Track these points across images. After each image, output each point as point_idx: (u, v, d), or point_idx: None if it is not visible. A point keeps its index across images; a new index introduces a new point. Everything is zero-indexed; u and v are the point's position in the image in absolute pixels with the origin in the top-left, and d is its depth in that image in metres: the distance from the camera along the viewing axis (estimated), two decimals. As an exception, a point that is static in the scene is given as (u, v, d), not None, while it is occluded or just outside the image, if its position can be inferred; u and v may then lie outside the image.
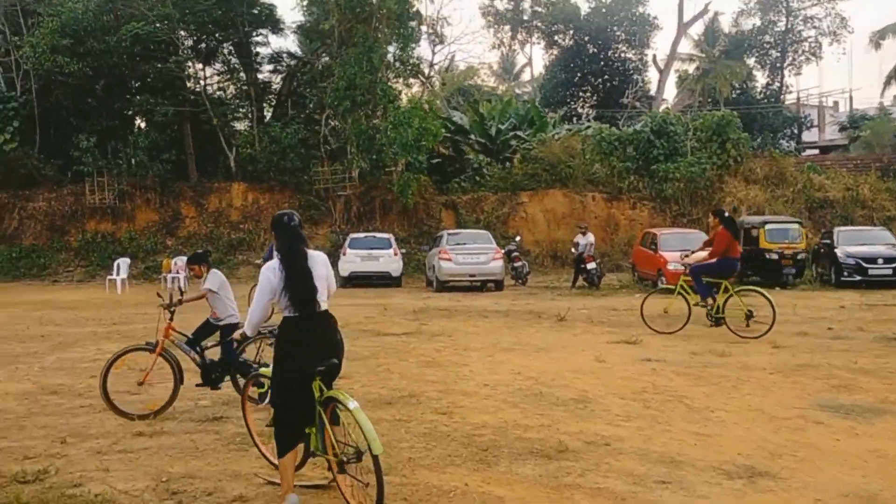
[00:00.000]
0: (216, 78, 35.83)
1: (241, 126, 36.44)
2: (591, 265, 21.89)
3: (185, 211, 30.95)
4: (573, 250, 22.99)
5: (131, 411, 7.21)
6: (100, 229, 29.75)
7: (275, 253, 11.95)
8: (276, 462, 5.11)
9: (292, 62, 35.19)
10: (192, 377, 7.65)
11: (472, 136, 36.67)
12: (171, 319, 7.44)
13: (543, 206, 30.99)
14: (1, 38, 30.42)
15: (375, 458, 4.36)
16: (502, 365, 9.64)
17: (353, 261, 23.80)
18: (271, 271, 4.73)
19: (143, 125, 33.99)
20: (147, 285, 25.70)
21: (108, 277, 23.43)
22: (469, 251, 21.84)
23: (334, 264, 28.11)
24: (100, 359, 10.64)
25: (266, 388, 5.87)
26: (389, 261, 23.92)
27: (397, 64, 31.23)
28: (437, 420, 6.89)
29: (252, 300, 4.93)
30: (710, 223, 12.67)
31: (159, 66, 30.52)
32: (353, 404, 4.57)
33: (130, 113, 33.11)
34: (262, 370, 5.75)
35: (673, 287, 12.48)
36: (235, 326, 7.38)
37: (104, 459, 5.91)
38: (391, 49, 31.03)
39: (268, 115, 35.88)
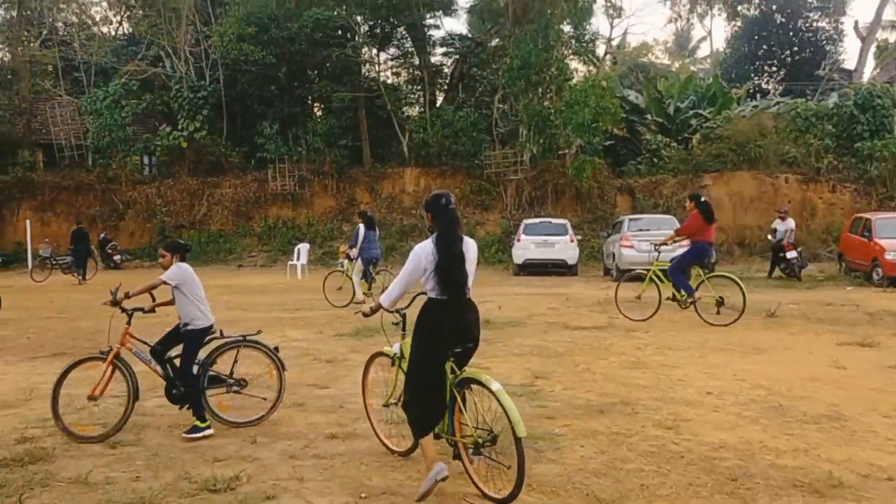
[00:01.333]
0: (390, 63, 36.13)
1: (412, 111, 36.54)
2: (791, 254, 19.85)
3: (360, 196, 31.30)
4: (770, 237, 20.99)
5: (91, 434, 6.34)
6: (281, 215, 30.66)
7: (359, 237, 13.71)
8: (393, 447, 5.56)
9: (465, 44, 34.71)
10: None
11: (649, 116, 34.78)
12: (129, 324, 6.64)
13: (729, 189, 28.78)
14: (192, 28, 31.92)
15: (518, 440, 4.35)
16: (720, 368, 8.45)
17: (528, 248, 22.94)
18: (423, 251, 4.69)
19: (320, 112, 34.77)
20: (324, 271, 26.11)
21: (289, 263, 23.92)
22: (653, 237, 20.38)
23: (507, 251, 28.03)
24: (285, 346, 10.45)
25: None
26: (565, 248, 22.87)
27: (573, 41, 29.99)
28: (662, 436, 5.89)
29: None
30: (687, 206, 12.32)
31: (337, 52, 30.99)
32: (496, 385, 4.53)
33: (310, 100, 33.86)
34: (385, 349, 5.65)
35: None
36: (202, 333, 6.54)
37: (297, 466, 5.39)
38: (566, 26, 29.87)
39: (439, 99, 35.74)
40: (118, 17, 41.29)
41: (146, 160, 33.76)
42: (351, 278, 15.09)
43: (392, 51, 35.97)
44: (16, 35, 34.19)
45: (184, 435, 6.23)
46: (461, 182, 30.97)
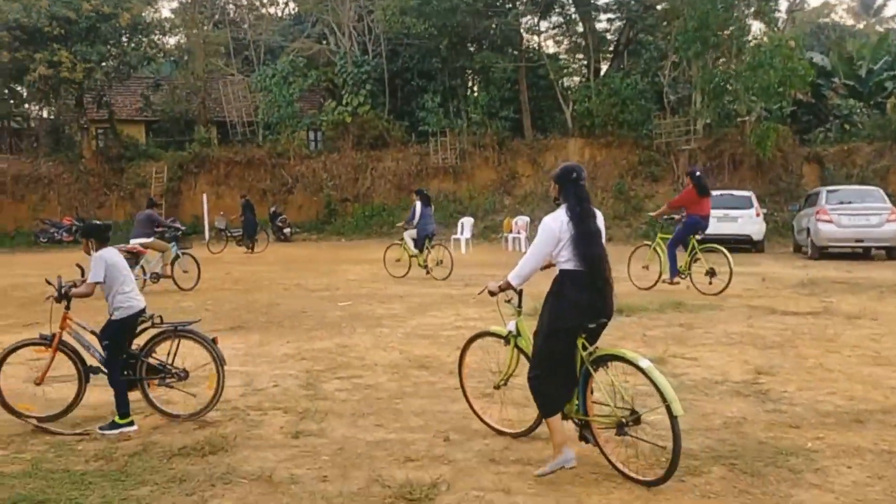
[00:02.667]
0: (551, 31, 34.91)
1: (573, 80, 35.18)
2: None
3: (522, 169, 30.44)
4: None
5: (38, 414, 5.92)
6: (442, 188, 30.33)
7: (416, 213, 14.91)
8: (499, 427, 5.41)
9: (632, 8, 32.86)
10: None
11: (836, 79, 31.65)
12: (68, 308, 5.98)
13: (936, 155, 25.61)
14: (355, 4, 32.03)
15: (674, 420, 4.16)
16: None
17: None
18: (557, 222, 4.56)
19: (480, 84, 34.11)
20: (486, 245, 25.57)
21: (453, 237, 23.46)
22: (855, 211, 18.25)
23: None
24: (461, 326, 9.83)
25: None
26: (750, 222, 20.99)
27: (754, -2, 27.57)
28: (955, 460, 4.69)
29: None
30: (685, 183, 13.00)
31: (498, 22, 30.15)
32: (644, 362, 4.35)
33: (470, 72, 33.27)
34: (494, 328, 5.47)
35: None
36: (122, 323, 5.88)
37: (502, 474, 4.64)
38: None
39: (603, 67, 34.16)
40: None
41: (311, 135, 34.48)
42: (409, 251, 15.99)
43: (554, 19, 34.71)
44: (191, 17, 35.69)
45: (98, 430, 5.66)
46: (628, 152, 29.45)
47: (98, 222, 6.52)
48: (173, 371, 6.14)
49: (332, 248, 25.91)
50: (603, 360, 4.54)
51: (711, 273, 11.90)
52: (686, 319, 9.79)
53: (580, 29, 33.85)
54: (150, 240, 14.03)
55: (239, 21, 39.34)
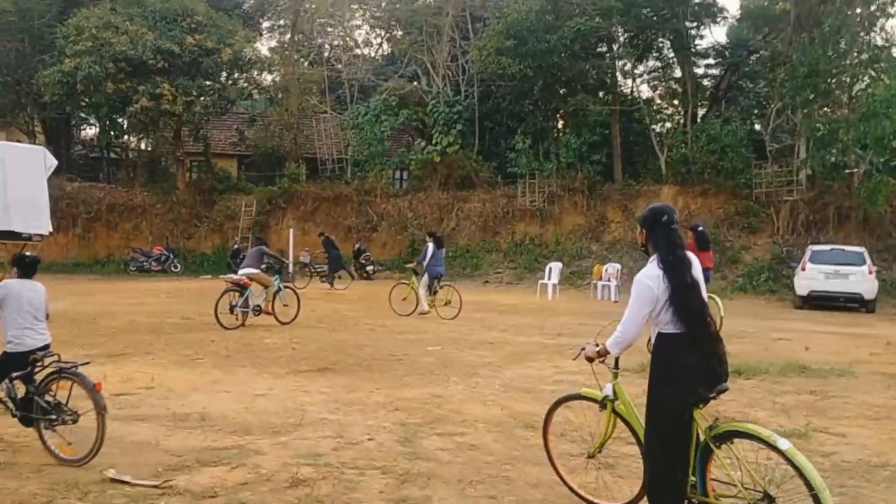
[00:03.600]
0: (646, 76, 34.15)
1: (666, 125, 34.22)
2: None
3: (612, 215, 29.55)
4: None
5: None
6: (528, 231, 29.70)
7: (428, 253, 14.77)
8: (594, 500, 4.84)
9: (735, 53, 31.86)
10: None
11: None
12: None
13: None
14: (450, 44, 32.04)
15: None
16: None
17: (816, 277, 20.00)
18: (652, 279, 4.02)
19: (571, 127, 33.50)
20: (573, 291, 24.73)
21: (540, 281, 22.76)
22: None
23: (779, 279, 24.97)
24: (562, 381, 9.11)
25: None
26: (862, 280, 19.64)
27: (867, 45, 26.22)
28: None
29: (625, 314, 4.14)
30: (687, 235, 12.87)
31: (593, 64, 29.63)
32: (784, 443, 3.74)
33: (562, 113, 32.74)
34: (586, 390, 4.86)
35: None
36: (12, 357, 5.82)
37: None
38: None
39: (700, 112, 33.14)
40: (379, 39, 43.05)
41: (398, 174, 34.49)
42: (416, 291, 16.50)
43: (650, 63, 34.00)
44: (288, 56, 36.39)
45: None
46: (724, 202, 28.26)
47: (28, 255, 6.34)
48: (63, 412, 5.88)
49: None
50: (727, 436, 3.98)
51: None
52: (816, 386, 8.83)
53: (677, 74, 33.04)
54: (256, 271, 14.10)
55: (334, 60, 39.99)
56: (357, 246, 28.78)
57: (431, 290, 16.37)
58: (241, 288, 13.93)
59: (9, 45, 32.48)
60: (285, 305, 14.59)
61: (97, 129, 43.83)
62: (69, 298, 17.27)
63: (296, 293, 15.06)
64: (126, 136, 40.84)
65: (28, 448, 6.12)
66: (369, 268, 28.03)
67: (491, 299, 21.34)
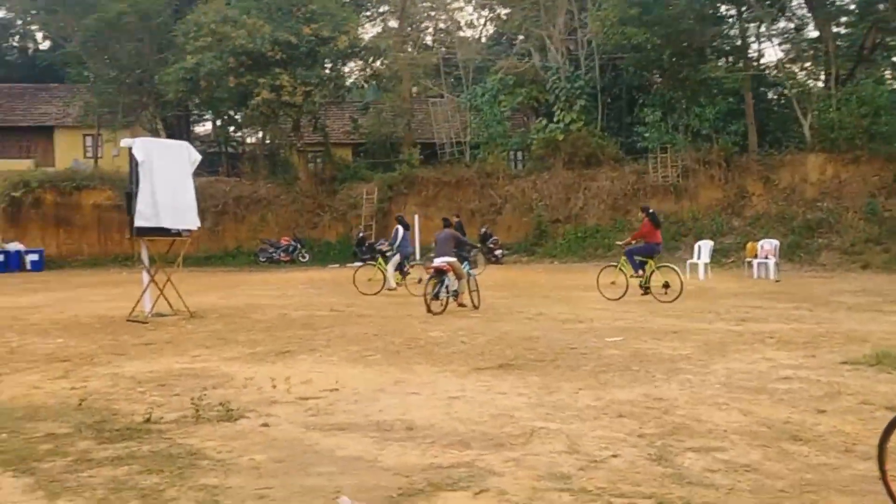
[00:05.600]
0: (782, 38, 31.88)
1: (807, 89, 31.87)
2: None
3: (752, 188, 27.76)
4: None
5: None
6: (662, 208, 28.13)
7: (398, 237, 16.96)
8: None
9: (879, 10, 29.29)
10: None
11: None
12: None
13: None
14: (568, 17, 30.76)
15: None
16: None
17: None
18: None
19: (703, 96, 31.67)
20: (721, 271, 23.22)
21: (689, 261, 21.37)
22: None
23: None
24: (788, 377, 8.01)
25: None
26: None
27: None
28: None
29: None
30: (640, 216, 16.60)
31: (723, 29, 27.80)
32: None
33: (691, 82, 31.00)
34: None
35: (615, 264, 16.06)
36: None
37: None
38: None
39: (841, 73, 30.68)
40: (483, 20, 42.08)
41: (514, 155, 33.53)
42: (384, 271, 17.73)
43: (781, 25, 31.72)
44: (399, 41, 35.89)
45: None
46: (880, 168, 26.12)
47: None
48: None
49: (548, 271, 24.56)
50: None
51: (666, 285, 15.12)
52: None
53: (812, 35, 30.73)
54: (453, 259, 14.02)
55: (439, 44, 39.35)
56: (483, 230, 28.06)
57: (402, 270, 17.82)
58: (440, 274, 13.86)
59: (129, 46, 33.26)
60: (473, 291, 14.50)
61: (212, 125, 44.90)
62: (212, 292, 17.23)
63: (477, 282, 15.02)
64: (241, 130, 41.56)
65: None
66: (497, 252, 27.25)
67: (634, 282, 20.08)
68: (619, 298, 15.31)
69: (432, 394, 7.73)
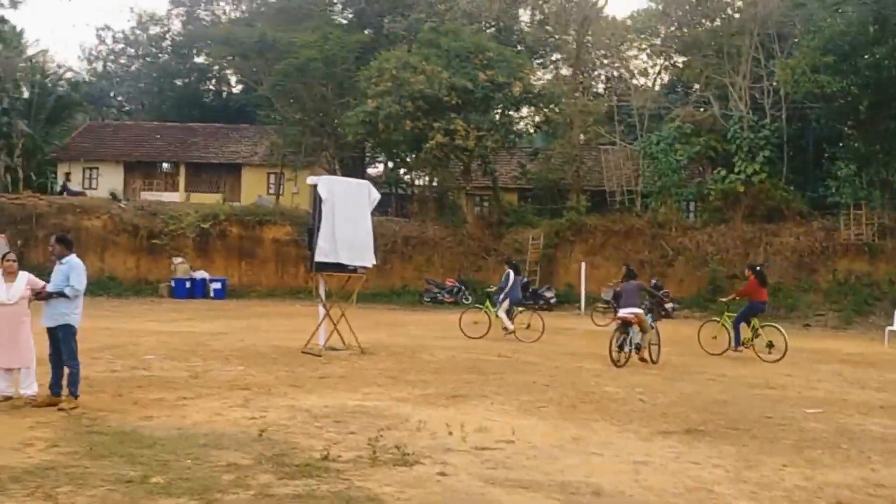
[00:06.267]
0: None
1: None
2: None
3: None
4: None
5: None
6: (854, 269, 26.04)
7: (509, 281, 17.00)
8: None
9: None
10: None
11: None
12: None
13: None
14: (753, 65, 29.34)
15: None
16: None
17: None
18: None
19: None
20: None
21: (888, 328, 19.39)
22: None
23: None
24: None
25: None
26: None
27: None
28: None
29: None
30: (746, 274, 16.23)
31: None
32: None
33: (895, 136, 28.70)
34: None
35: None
36: None
37: None
38: None
39: None
40: (657, 67, 41.08)
41: (692, 206, 32.17)
42: (495, 315, 17.22)
43: None
44: (571, 88, 35.66)
45: None
46: None
47: None
48: None
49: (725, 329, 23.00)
50: None
51: (770, 345, 14.53)
52: None
53: None
54: (641, 311, 13.61)
55: (614, 91, 38.78)
56: (654, 281, 26.83)
57: (511, 316, 17.21)
58: (625, 325, 13.47)
59: (314, 91, 35.03)
60: (653, 345, 14.03)
61: (384, 167, 46.38)
62: (381, 329, 17.39)
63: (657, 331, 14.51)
64: (412, 172, 42.62)
65: None
66: (668, 305, 26.01)
67: (825, 346, 18.55)
68: (721, 354, 15.18)
69: (615, 456, 7.21)
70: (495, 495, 5.83)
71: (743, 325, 15.10)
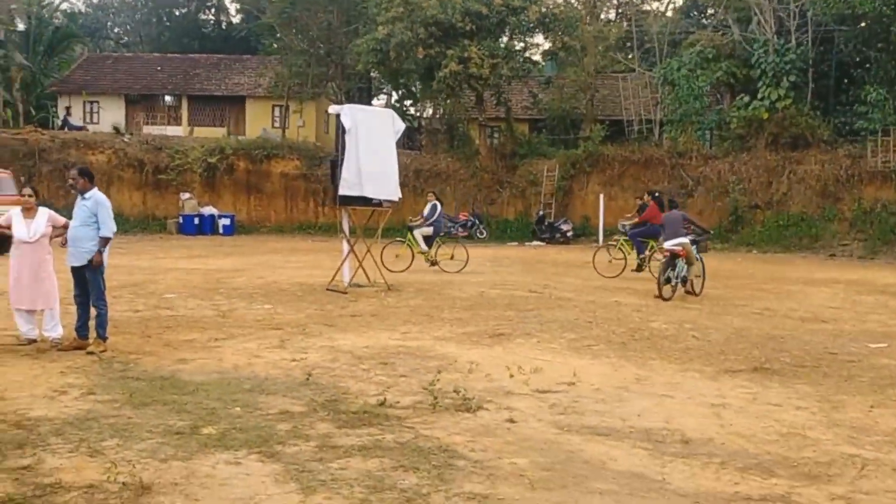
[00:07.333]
0: None
1: None
2: None
3: None
4: None
5: None
6: (879, 197, 25.36)
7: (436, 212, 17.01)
8: None
9: None
10: None
11: None
12: None
13: None
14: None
15: None
16: None
17: None
18: None
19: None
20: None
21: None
22: None
23: None
24: None
25: None
26: None
27: None
28: None
29: None
30: (645, 198, 17.14)
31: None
32: None
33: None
34: None
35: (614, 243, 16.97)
36: None
37: None
38: None
39: None
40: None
41: (709, 135, 31.28)
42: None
43: None
44: (588, 11, 34.39)
45: None
46: None
47: None
48: None
49: (749, 261, 22.59)
50: None
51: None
52: None
53: None
54: (686, 241, 13.06)
55: (624, 17, 37.51)
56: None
57: (432, 245, 17.05)
58: (673, 258, 12.98)
59: (320, 18, 33.80)
60: (697, 277, 13.50)
61: (386, 97, 45.31)
62: (400, 265, 16.80)
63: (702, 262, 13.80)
64: (420, 103, 41.54)
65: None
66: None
67: (858, 277, 18.01)
68: (617, 276, 15.73)
69: (688, 398, 6.75)
70: (575, 444, 5.37)
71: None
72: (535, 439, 5.46)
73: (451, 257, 17.04)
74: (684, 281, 13.15)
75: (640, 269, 15.88)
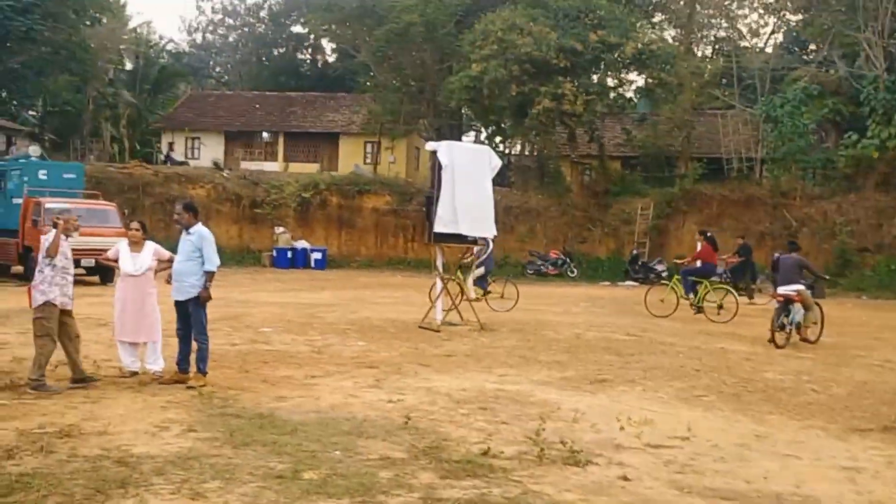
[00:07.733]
0: None
1: None
2: None
3: None
4: None
5: None
6: None
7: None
8: None
9: None
10: None
11: None
12: None
13: None
14: (892, 19, 26.88)
15: None
16: None
17: None
18: None
19: None
20: None
21: None
22: None
23: None
24: None
25: None
26: None
27: None
28: None
29: None
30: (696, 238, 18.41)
31: None
32: None
33: None
34: None
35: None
36: None
37: None
38: None
39: None
40: (768, 27, 38.54)
41: (812, 174, 29.99)
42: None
43: None
44: (685, 47, 33.77)
45: None
46: None
47: None
48: None
49: (859, 307, 21.36)
50: None
51: (719, 307, 15.82)
52: None
53: None
54: (802, 287, 12.54)
55: (721, 53, 36.65)
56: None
57: (483, 286, 16.59)
58: (787, 303, 12.42)
59: (414, 56, 34.24)
60: (814, 323, 12.82)
61: (474, 135, 45.44)
62: (493, 304, 16.55)
63: (821, 309, 13.07)
64: (508, 140, 41.46)
65: None
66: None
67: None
68: (668, 316, 15.81)
69: (816, 459, 6.22)
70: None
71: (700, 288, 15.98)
72: (654, 501, 5.06)
73: (502, 296, 16.69)
74: (798, 326, 12.44)
75: (699, 310, 15.87)
